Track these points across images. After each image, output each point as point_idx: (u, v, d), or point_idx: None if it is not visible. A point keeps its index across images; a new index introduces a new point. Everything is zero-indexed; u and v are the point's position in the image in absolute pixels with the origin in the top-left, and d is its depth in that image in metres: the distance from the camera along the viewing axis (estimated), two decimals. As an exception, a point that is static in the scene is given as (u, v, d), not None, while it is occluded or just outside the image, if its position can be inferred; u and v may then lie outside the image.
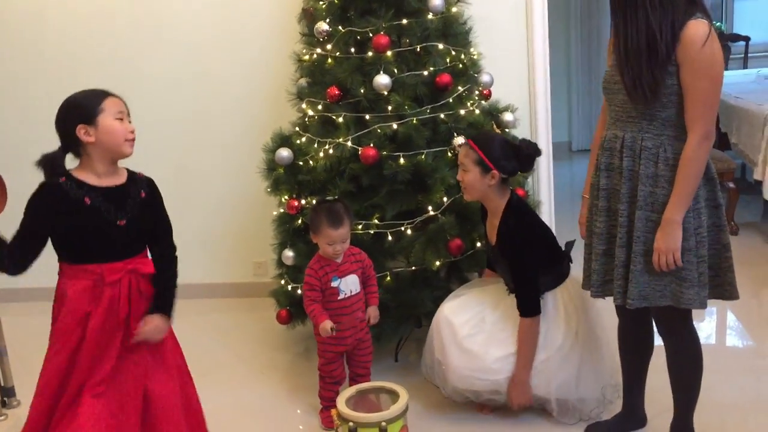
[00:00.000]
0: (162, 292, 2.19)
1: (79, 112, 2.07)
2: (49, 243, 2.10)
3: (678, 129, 2.11)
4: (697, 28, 2.01)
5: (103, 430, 2.03)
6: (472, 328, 2.62)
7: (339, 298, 2.66)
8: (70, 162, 2.13)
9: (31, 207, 2.07)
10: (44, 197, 2.06)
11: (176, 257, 2.28)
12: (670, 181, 2.11)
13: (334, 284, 2.65)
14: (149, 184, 2.22)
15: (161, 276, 2.20)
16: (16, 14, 4.05)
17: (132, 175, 2.19)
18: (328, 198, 2.88)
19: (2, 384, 2.98)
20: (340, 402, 2.50)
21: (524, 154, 2.58)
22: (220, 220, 4.09)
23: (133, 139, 2.11)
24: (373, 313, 2.76)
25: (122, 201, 2.12)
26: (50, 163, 2.08)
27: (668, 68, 2.05)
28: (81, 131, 2.05)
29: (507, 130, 3.23)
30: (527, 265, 2.55)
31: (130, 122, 2.12)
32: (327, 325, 2.58)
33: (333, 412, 2.52)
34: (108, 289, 2.08)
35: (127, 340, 2.11)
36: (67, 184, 2.06)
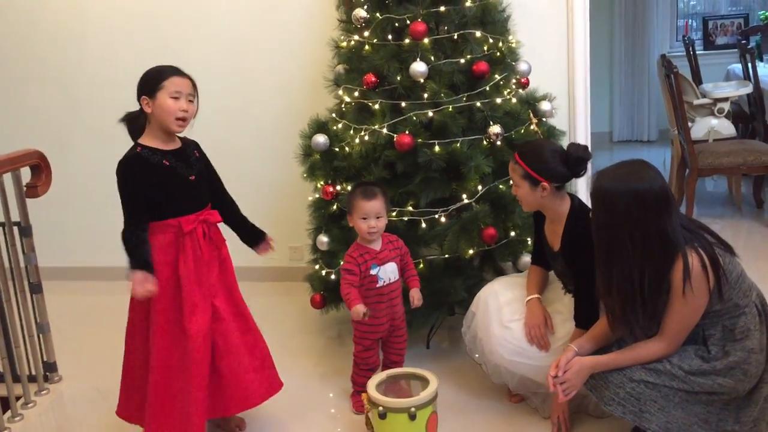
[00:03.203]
0: (250, 226, 2.71)
1: (146, 83, 2.36)
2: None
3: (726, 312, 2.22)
4: (679, 271, 2.11)
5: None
6: (516, 312, 2.60)
7: (378, 285, 2.67)
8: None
9: (125, 178, 2.34)
10: (131, 167, 2.34)
11: (233, 200, 2.71)
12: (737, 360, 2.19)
13: (373, 272, 2.66)
14: (197, 146, 2.56)
15: (240, 215, 2.69)
16: (60, 8, 4.15)
17: (183, 139, 2.50)
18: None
19: (45, 359, 3.07)
20: (371, 386, 2.52)
21: (573, 158, 2.47)
22: (257, 205, 4.08)
23: (183, 119, 2.35)
24: (416, 295, 2.73)
25: (187, 160, 2.44)
26: (132, 120, 2.42)
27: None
28: (143, 101, 2.35)
29: (544, 119, 3.20)
30: (594, 276, 2.30)
31: (191, 101, 2.37)
32: (360, 308, 2.58)
33: (364, 396, 2.54)
34: (188, 238, 2.40)
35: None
36: (144, 152, 2.35)
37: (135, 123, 2.42)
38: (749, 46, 5.54)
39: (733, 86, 5.30)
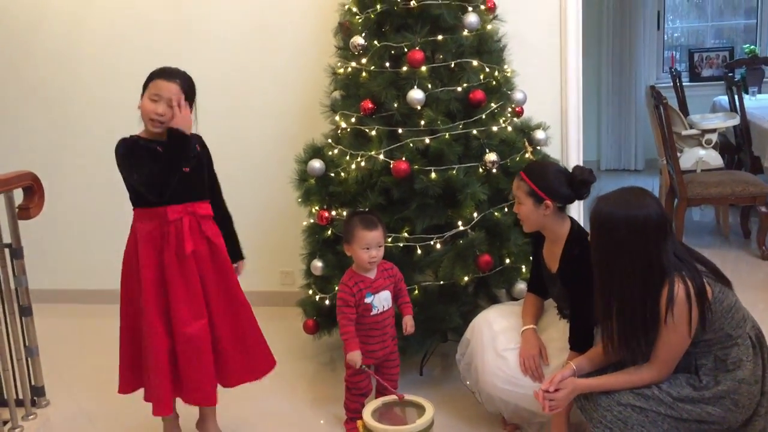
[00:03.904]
0: (233, 245, 2.69)
1: (144, 84, 2.45)
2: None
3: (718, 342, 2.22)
4: (664, 299, 2.13)
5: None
6: (511, 341, 2.60)
7: (372, 314, 2.66)
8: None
9: (126, 156, 2.39)
10: (130, 145, 2.39)
11: (230, 213, 2.72)
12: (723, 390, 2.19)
13: (367, 300, 2.65)
14: (199, 140, 2.57)
15: (229, 230, 2.68)
16: (54, 31, 4.15)
17: None
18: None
19: (32, 383, 3.02)
20: (366, 414, 2.50)
21: (578, 181, 2.49)
22: (250, 229, 4.08)
23: (158, 121, 2.39)
24: (409, 322, 2.74)
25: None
26: None
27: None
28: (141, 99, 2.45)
29: (539, 147, 3.23)
30: (589, 298, 2.32)
31: (171, 106, 2.39)
32: (357, 357, 2.57)
33: (359, 423, 2.52)
34: (172, 227, 2.41)
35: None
36: (141, 140, 2.42)
37: None
38: (735, 79, 5.64)
39: (721, 118, 5.38)
